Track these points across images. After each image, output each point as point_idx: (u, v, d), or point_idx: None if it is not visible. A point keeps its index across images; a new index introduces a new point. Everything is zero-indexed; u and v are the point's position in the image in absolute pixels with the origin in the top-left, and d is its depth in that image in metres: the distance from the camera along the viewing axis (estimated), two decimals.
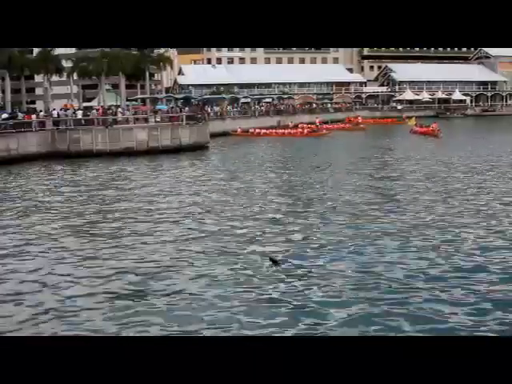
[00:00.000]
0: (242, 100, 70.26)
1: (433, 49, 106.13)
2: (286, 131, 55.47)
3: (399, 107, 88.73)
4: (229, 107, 62.52)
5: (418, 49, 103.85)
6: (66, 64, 64.94)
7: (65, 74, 64.65)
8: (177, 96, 66.58)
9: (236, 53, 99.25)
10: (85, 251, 13.43)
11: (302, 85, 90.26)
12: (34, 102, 79.21)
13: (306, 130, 55.36)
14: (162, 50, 74.13)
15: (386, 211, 17.20)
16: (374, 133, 57.43)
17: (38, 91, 78.89)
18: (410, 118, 65.16)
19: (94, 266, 12.23)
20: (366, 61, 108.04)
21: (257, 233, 14.76)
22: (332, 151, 39.52)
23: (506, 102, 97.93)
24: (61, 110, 43.26)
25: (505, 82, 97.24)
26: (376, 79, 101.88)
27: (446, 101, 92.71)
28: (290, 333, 8.52)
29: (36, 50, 65.28)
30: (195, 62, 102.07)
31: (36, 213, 18.52)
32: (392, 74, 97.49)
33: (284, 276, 11.20)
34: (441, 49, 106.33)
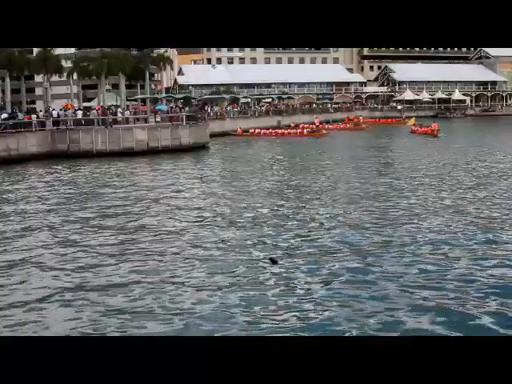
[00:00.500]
0: (242, 100, 70.29)
1: (433, 49, 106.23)
2: (286, 131, 55.51)
3: (399, 107, 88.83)
4: (229, 107, 62.53)
5: (417, 49, 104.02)
6: (66, 64, 65.00)
7: (65, 73, 64.72)
8: (177, 96, 66.60)
9: (236, 53, 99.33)
10: (84, 251, 13.42)
11: (301, 85, 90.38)
12: (34, 102, 79.21)
13: (305, 130, 55.40)
14: (161, 50, 74.22)
15: (386, 211, 17.21)
16: (374, 133, 57.47)
17: (38, 91, 78.89)
18: (409, 118, 65.25)
19: (94, 266, 12.23)
20: (365, 61, 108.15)
21: (257, 233, 14.76)
22: (332, 151, 39.52)
23: (506, 102, 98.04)
24: (61, 110, 43.25)
25: (505, 82, 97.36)
26: (376, 79, 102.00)
27: (446, 101, 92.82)
28: (289, 333, 8.52)
29: (36, 50, 65.32)
30: (195, 61, 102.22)
31: (36, 213, 18.51)
32: (392, 74, 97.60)
33: (284, 276, 11.20)
34: (441, 49, 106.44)
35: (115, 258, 12.87)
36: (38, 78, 72.19)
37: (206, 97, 70.05)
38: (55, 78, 65.25)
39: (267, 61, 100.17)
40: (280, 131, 55.78)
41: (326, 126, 62.26)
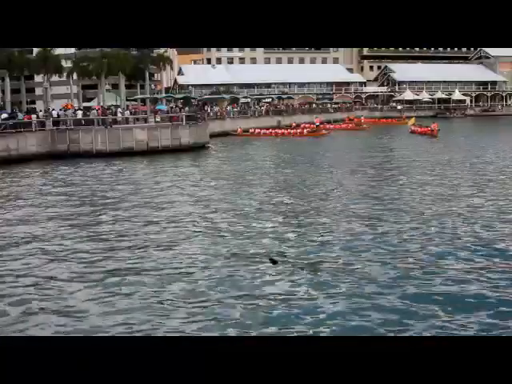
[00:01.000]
0: (242, 100, 70.27)
1: (433, 49, 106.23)
2: (286, 131, 55.51)
3: (399, 107, 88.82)
4: (229, 107, 62.53)
5: (417, 49, 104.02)
6: (66, 64, 65.00)
7: (65, 73, 64.71)
8: (177, 96, 66.57)
9: (236, 53, 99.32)
10: (84, 251, 13.42)
11: (301, 85, 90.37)
12: (33, 102, 79.23)
13: (305, 130, 55.40)
14: (161, 50, 74.22)
15: (386, 211, 17.20)
16: (374, 133, 57.50)
17: (38, 91, 78.89)
18: (409, 118, 65.28)
19: (94, 266, 12.23)
20: (365, 61, 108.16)
21: (256, 233, 14.76)
22: (332, 151, 39.53)
23: (506, 102, 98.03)
24: (60, 110, 43.26)
25: (505, 82, 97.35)
26: (376, 79, 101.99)
27: (446, 101, 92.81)
28: (289, 333, 8.52)
29: (36, 50, 65.32)
30: (195, 62, 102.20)
31: (35, 213, 18.50)
32: (392, 74, 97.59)
33: (284, 276, 11.20)
34: (441, 49, 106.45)
35: (115, 257, 12.86)
36: (38, 78, 72.20)
37: (205, 97, 70.04)
38: (55, 77, 65.25)
39: (267, 61, 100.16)
40: (280, 131, 55.78)
41: (328, 125, 62.28)
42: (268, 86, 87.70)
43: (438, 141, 45.57)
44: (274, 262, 11.89)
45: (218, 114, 58.80)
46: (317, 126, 58.87)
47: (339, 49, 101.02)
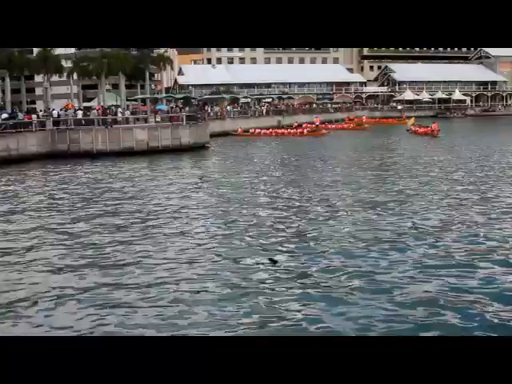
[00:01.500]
0: (242, 100, 70.32)
1: (433, 49, 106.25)
2: (286, 131, 55.54)
3: (399, 107, 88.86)
4: (229, 107, 62.56)
5: (417, 49, 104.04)
6: (66, 64, 65.05)
7: (65, 73, 64.77)
8: (177, 96, 66.60)
9: (236, 53, 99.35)
10: (84, 251, 13.42)
11: (301, 85, 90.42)
12: (34, 102, 79.25)
13: (305, 130, 55.44)
14: (161, 50, 74.27)
15: (386, 210, 17.20)
16: (374, 133, 57.50)
17: (38, 91, 78.93)
18: (409, 118, 65.31)
19: (94, 266, 12.23)
20: (365, 61, 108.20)
21: (257, 232, 14.75)
22: (333, 151, 39.51)
23: (506, 102, 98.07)
24: (61, 109, 43.26)
25: (505, 82, 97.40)
26: (376, 79, 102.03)
27: (446, 101, 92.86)
28: (290, 333, 8.52)
29: (36, 50, 65.37)
30: (195, 62, 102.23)
31: (36, 213, 18.51)
32: (392, 74, 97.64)
33: (284, 276, 11.19)
34: (441, 49, 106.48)
35: (115, 257, 12.86)
36: (38, 78, 72.25)
37: (206, 97, 70.08)
38: (55, 77, 65.31)
39: (267, 61, 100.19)
40: (280, 131, 55.80)
41: (329, 125, 62.34)
42: (268, 85, 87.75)
43: (438, 141, 45.55)
44: (274, 262, 11.90)
45: (219, 113, 58.82)
46: (317, 125, 58.92)
47: (339, 49, 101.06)
